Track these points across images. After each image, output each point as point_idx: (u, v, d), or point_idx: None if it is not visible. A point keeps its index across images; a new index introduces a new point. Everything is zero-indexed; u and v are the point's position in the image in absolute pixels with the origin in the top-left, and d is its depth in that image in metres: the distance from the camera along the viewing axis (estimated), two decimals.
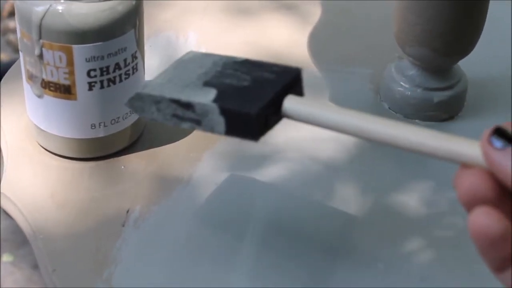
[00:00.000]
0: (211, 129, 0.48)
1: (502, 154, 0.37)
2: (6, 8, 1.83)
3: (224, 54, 0.53)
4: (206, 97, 0.48)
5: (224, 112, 0.48)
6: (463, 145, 0.40)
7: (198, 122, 0.49)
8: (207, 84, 0.50)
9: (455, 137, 0.41)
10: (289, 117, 0.47)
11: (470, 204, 0.38)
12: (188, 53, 0.54)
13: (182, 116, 0.49)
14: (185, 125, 0.49)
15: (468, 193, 0.38)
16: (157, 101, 0.50)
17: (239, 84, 0.49)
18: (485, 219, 0.37)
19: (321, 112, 0.46)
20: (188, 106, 0.49)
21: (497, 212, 0.37)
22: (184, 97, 0.49)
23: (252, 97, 0.48)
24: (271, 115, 0.47)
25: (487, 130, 0.38)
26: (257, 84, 0.49)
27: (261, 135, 0.48)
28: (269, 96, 0.47)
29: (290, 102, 0.47)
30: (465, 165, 0.39)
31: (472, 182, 0.38)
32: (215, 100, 0.48)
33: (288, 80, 0.49)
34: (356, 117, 0.45)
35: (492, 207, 0.37)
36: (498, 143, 0.38)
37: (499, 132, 0.38)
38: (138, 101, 0.51)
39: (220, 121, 0.48)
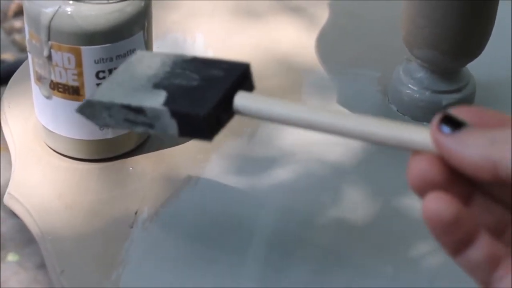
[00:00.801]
0: (164, 132, 0.48)
1: (451, 139, 0.37)
2: (12, 8, 1.84)
3: (172, 53, 0.52)
4: (156, 101, 0.48)
5: (174, 115, 0.47)
6: (413, 132, 0.40)
7: (151, 125, 0.49)
8: (157, 86, 0.49)
9: (405, 125, 0.41)
10: (241, 113, 0.47)
11: (422, 190, 0.39)
12: (136, 54, 0.54)
13: (135, 121, 0.49)
14: (139, 129, 0.49)
15: (419, 179, 0.39)
16: (107, 107, 0.50)
17: (189, 84, 0.49)
18: (437, 204, 0.38)
19: (270, 107, 0.45)
20: (139, 110, 0.48)
21: (448, 196, 0.38)
22: (134, 102, 0.49)
23: (201, 98, 0.47)
24: (222, 113, 0.47)
25: (436, 117, 0.38)
26: (206, 83, 0.48)
27: (214, 134, 0.47)
28: (218, 95, 0.47)
29: (240, 99, 0.47)
30: (417, 152, 0.39)
31: (422, 168, 0.39)
32: (165, 103, 0.48)
33: (237, 76, 0.48)
34: (306, 110, 0.44)
35: (443, 192, 0.38)
36: (446, 128, 0.38)
37: (447, 119, 0.38)
38: (89, 108, 0.50)
39: (172, 124, 0.48)
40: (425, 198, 0.38)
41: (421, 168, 0.39)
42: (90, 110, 0.50)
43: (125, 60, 0.53)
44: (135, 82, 0.50)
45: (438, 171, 0.38)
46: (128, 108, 0.49)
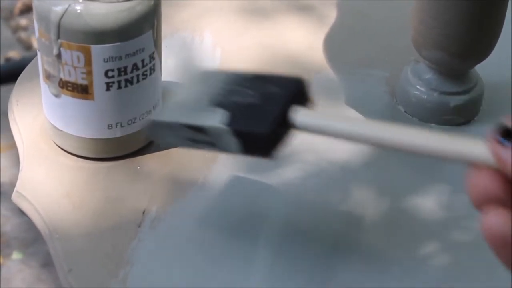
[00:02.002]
0: (226, 150, 0.50)
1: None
2: (18, 6, 1.84)
3: (231, 70, 0.53)
4: (218, 120, 0.49)
5: (236, 133, 0.48)
6: (471, 145, 0.40)
7: (213, 144, 0.50)
8: (218, 104, 0.50)
9: (463, 138, 0.41)
10: (299, 129, 0.48)
11: (482, 205, 0.38)
12: (197, 73, 0.55)
13: (198, 140, 0.50)
14: (202, 147, 0.51)
15: (479, 194, 0.38)
16: (172, 127, 0.51)
17: (248, 101, 0.50)
18: (497, 220, 0.37)
19: (328, 122, 0.46)
20: (201, 130, 0.50)
21: (509, 212, 0.37)
22: (197, 121, 0.50)
23: (261, 115, 0.48)
24: (281, 129, 0.48)
25: (494, 129, 0.38)
26: (265, 100, 0.49)
27: (275, 151, 0.49)
28: (277, 112, 0.48)
29: (297, 115, 0.48)
30: (475, 166, 0.39)
31: (483, 183, 0.38)
32: (227, 122, 0.49)
33: (294, 92, 0.49)
34: (362, 125, 0.45)
35: (503, 207, 0.37)
36: (506, 141, 0.38)
37: (506, 131, 0.38)
38: (155, 128, 0.52)
39: (233, 142, 0.49)
40: (485, 214, 0.38)
41: (482, 183, 0.38)
42: (156, 131, 0.53)
43: (186, 79, 0.55)
44: (197, 101, 0.51)
45: (499, 187, 0.38)
46: (192, 127, 0.50)
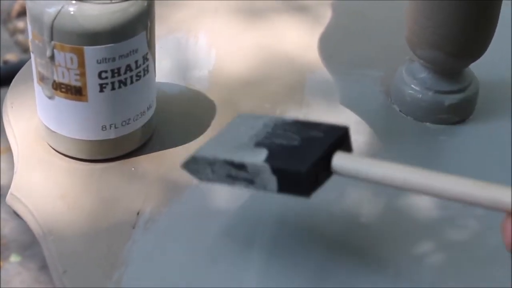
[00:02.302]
0: (264, 188, 0.50)
1: None
2: (16, 8, 1.84)
3: (274, 116, 0.55)
4: (257, 157, 0.50)
5: (275, 171, 0.49)
6: (506, 193, 0.42)
7: (251, 181, 0.51)
8: (258, 144, 0.51)
9: (500, 186, 0.43)
10: (338, 173, 0.50)
11: None
12: (239, 116, 0.56)
13: (236, 176, 0.51)
14: (239, 185, 0.51)
15: None
16: (211, 163, 0.52)
17: (289, 143, 0.51)
18: None
19: (367, 168, 0.48)
20: (241, 166, 0.51)
21: None
22: (236, 158, 0.51)
23: (301, 156, 0.50)
24: (321, 172, 0.49)
25: None
26: (306, 143, 0.51)
27: (312, 192, 0.50)
28: (318, 155, 0.49)
29: (338, 159, 0.49)
30: (510, 212, 0.41)
31: None
32: (267, 160, 0.50)
33: (336, 137, 0.51)
34: (401, 171, 0.47)
35: None
36: None
37: None
38: (194, 163, 0.53)
39: (272, 180, 0.50)
40: None
41: None
42: (194, 166, 0.53)
43: (228, 123, 0.55)
44: (238, 141, 0.53)
45: None
46: (231, 164, 0.51)
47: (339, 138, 0.51)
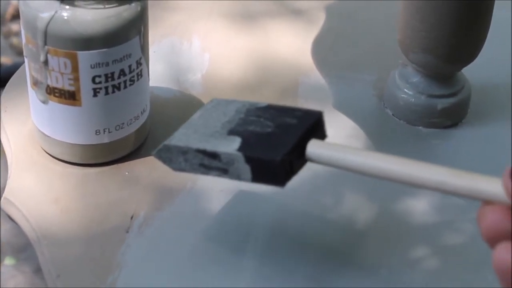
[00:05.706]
0: (238, 177, 0.50)
1: None
2: (10, 11, 1.84)
3: (246, 100, 0.54)
4: (231, 146, 0.49)
5: (249, 160, 0.49)
6: (485, 182, 0.42)
7: (225, 170, 0.50)
8: (231, 132, 0.51)
9: (476, 175, 0.42)
10: (313, 160, 0.49)
11: (493, 240, 0.40)
12: (211, 101, 0.55)
13: (209, 165, 0.50)
14: (213, 174, 0.51)
15: (491, 230, 0.40)
16: (184, 151, 0.51)
17: (263, 130, 0.50)
18: (508, 255, 0.39)
19: (342, 156, 0.47)
20: (214, 155, 0.50)
21: None
22: (209, 147, 0.50)
23: (275, 144, 0.49)
24: (295, 160, 0.49)
25: (508, 168, 0.40)
26: (280, 130, 0.50)
27: (287, 180, 0.49)
28: (292, 142, 0.48)
29: (313, 146, 0.48)
30: (487, 202, 0.41)
31: (494, 219, 0.40)
32: (240, 149, 0.49)
33: (310, 124, 0.50)
34: (376, 159, 0.46)
35: None
36: None
37: None
38: (166, 152, 0.52)
39: (246, 169, 0.49)
40: (495, 249, 0.39)
41: (494, 218, 0.40)
42: (167, 155, 0.52)
43: (200, 108, 0.55)
44: (211, 128, 0.52)
45: (510, 222, 0.40)
46: (204, 153, 0.50)
47: (313, 124, 0.50)
